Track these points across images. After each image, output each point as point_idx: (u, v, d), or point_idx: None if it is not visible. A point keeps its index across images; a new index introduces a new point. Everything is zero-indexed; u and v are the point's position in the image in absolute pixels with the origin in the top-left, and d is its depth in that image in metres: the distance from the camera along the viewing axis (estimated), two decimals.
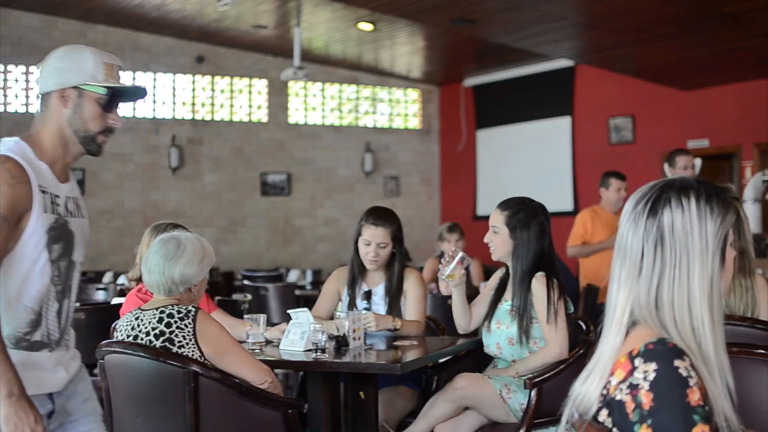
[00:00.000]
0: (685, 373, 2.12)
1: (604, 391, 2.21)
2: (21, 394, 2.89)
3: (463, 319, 5.29)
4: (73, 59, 3.27)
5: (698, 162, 8.56)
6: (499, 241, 5.13)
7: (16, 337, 3.12)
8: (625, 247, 2.32)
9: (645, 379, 2.13)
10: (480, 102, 16.93)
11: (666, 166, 8.49)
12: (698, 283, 2.23)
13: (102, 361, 4.09)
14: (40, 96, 3.31)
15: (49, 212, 3.15)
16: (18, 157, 3.09)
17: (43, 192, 3.13)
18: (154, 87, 15.79)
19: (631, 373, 2.16)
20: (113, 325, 4.81)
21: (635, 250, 2.29)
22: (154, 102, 15.82)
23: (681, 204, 2.26)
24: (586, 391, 2.25)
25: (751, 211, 9.64)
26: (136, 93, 3.41)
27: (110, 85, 3.27)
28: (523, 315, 5.00)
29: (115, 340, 4.13)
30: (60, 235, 3.19)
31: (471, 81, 16.95)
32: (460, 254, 5.17)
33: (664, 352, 2.16)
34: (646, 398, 2.11)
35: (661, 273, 2.25)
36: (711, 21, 10.15)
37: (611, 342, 2.28)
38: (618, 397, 2.17)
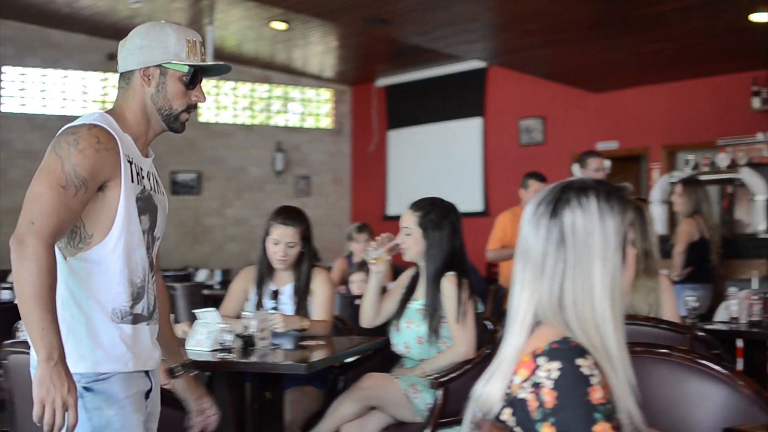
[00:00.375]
0: (587, 372, 2.13)
1: (508, 390, 2.21)
2: (60, 360, 2.80)
3: (372, 311, 5.27)
4: (155, 37, 3.22)
5: (608, 164, 8.65)
6: (412, 242, 5.13)
7: (121, 311, 3.08)
8: (526, 249, 2.33)
9: (548, 377, 2.13)
10: (392, 102, 16.93)
11: (576, 168, 8.56)
12: (600, 281, 2.25)
13: (6, 361, 3.98)
14: (120, 74, 3.27)
15: (136, 182, 3.13)
16: (106, 125, 3.07)
17: (130, 162, 3.11)
18: (64, 84, 15.50)
19: (534, 371, 2.16)
20: (15, 325, 4.71)
21: (537, 251, 2.30)
22: (64, 99, 15.53)
23: (581, 203, 2.28)
24: (489, 390, 2.25)
25: (658, 212, 9.77)
26: (218, 69, 3.38)
27: (193, 63, 3.24)
28: (434, 314, 5.00)
29: (18, 340, 4.03)
30: (146, 207, 3.17)
31: (383, 81, 16.93)
32: (394, 241, 5.16)
33: (567, 351, 2.16)
34: (549, 397, 2.12)
35: (563, 272, 2.26)
36: (622, 24, 10.27)
37: (514, 342, 2.28)
38: (521, 396, 2.17)
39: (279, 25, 13.13)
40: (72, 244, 3.03)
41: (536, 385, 2.14)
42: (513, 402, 2.19)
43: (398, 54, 14.79)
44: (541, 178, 8.68)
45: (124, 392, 3.05)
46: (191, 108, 3.31)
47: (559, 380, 2.12)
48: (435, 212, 5.13)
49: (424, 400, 4.84)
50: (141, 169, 3.19)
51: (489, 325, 5.32)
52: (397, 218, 5.27)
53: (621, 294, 2.29)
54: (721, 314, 6.89)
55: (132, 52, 3.22)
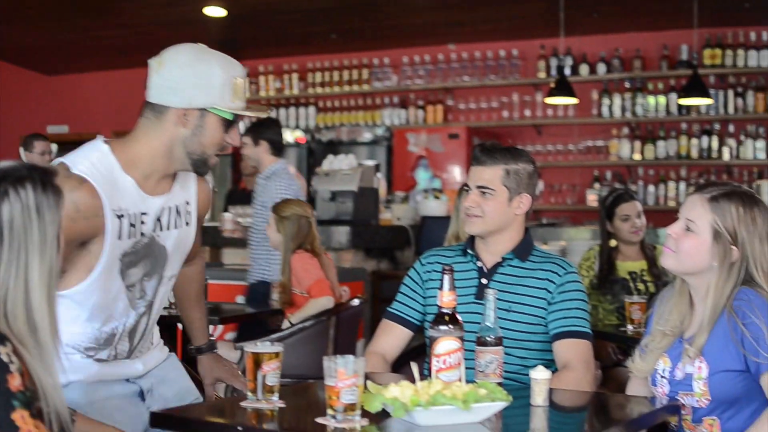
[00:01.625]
0: (6, 359, 2.06)
1: None
2: None
3: None
4: (201, 74, 2.83)
5: (55, 147, 8.52)
6: None
7: (77, 348, 2.88)
8: None
9: None
10: None
11: (22, 151, 8.36)
12: (37, 277, 2.16)
13: None
14: (148, 102, 2.87)
15: (126, 237, 2.84)
16: (94, 180, 2.75)
17: (120, 217, 2.81)
18: None
19: None
20: None
21: None
22: None
23: (19, 196, 2.16)
24: None
25: None
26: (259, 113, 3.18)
27: (239, 112, 2.88)
28: None
29: None
30: (141, 257, 2.92)
31: None
32: None
33: None
34: None
35: None
36: (77, 8, 10.16)
37: None
38: None
39: None
40: None
41: None
42: None
43: None
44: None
45: (86, 399, 2.87)
46: (222, 151, 2.96)
47: None
48: None
49: None
50: (142, 215, 2.89)
51: None
52: None
53: (56, 285, 2.22)
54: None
55: (171, 85, 2.84)
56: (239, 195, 9.97)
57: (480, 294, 3.53)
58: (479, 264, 3.63)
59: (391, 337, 3.71)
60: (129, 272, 2.93)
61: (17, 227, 2.15)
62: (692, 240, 3.05)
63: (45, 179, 2.22)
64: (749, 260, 2.99)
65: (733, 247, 2.99)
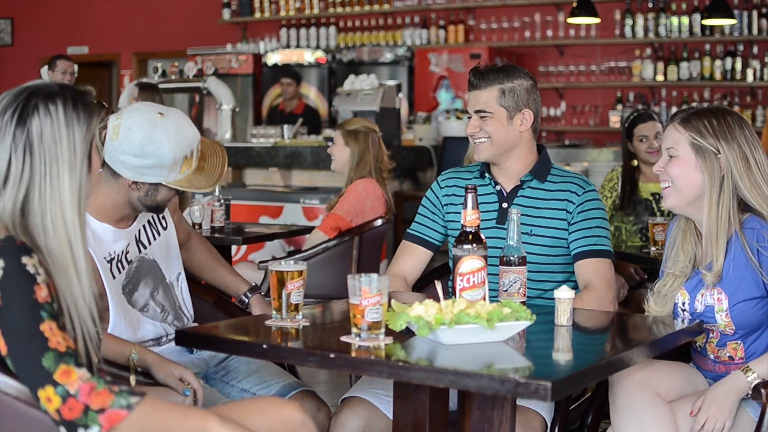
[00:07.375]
0: (32, 270, 2.09)
1: None
2: None
3: None
4: (150, 154, 2.95)
5: (75, 67, 8.52)
6: None
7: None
8: None
9: None
10: None
11: (45, 70, 8.40)
12: (69, 191, 2.20)
13: None
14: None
15: (118, 273, 3.06)
16: None
17: (110, 261, 3.04)
18: None
19: None
20: None
21: (2, 160, 2.19)
22: None
23: (49, 111, 2.20)
24: None
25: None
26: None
27: (183, 188, 3.08)
28: None
29: None
30: (138, 280, 3.13)
31: None
32: None
33: (11, 249, 2.10)
34: None
35: (30, 182, 2.18)
36: None
37: None
38: None
39: None
40: None
41: None
42: None
43: None
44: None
45: None
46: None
47: (3, 279, 2.07)
48: None
49: None
50: (125, 253, 3.10)
51: None
52: None
53: (86, 202, 2.26)
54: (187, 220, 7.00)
55: (123, 160, 2.96)
56: (279, 115, 10.17)
57: (501, 219, 3.50)
58: (498, 188, 3.58)
59: (412, 258, 3.69)
60: (135, 298, 3.13)
61: (47, 141, 2.18)
62: (678, 164, 3.04)
63: (76, 97, 2.25)
64: (732, 170, 2.96)
65: (719, 156, 2.97)
